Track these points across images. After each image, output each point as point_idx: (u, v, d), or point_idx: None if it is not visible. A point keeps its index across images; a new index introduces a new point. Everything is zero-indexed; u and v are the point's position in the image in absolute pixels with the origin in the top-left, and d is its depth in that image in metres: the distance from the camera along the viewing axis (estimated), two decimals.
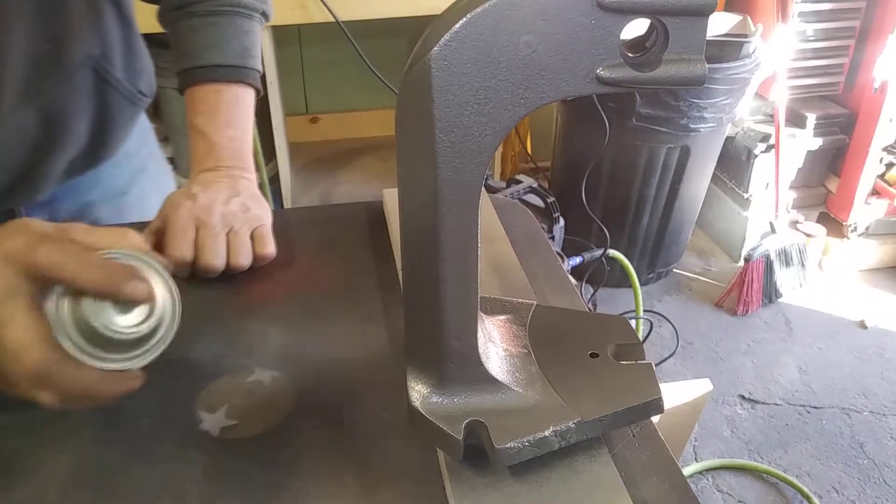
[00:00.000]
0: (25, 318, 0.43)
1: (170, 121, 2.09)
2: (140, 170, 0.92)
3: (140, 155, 0.93)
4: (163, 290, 0.48)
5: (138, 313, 0.46)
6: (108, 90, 0.78)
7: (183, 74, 0.78)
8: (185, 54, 0.78)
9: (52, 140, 0.75)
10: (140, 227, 0.68)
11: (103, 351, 0.45)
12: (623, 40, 0.33)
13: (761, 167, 2.23)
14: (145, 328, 0.46)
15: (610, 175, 2.10)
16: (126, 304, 0.45)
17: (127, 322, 0.45)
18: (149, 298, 0.46)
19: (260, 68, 0.82)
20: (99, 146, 0.82)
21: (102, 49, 0.76)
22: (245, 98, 0.80)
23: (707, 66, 0.33)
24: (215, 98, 0.77)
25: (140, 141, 0.92)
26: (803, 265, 2.23)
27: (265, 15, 0.83)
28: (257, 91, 0.81)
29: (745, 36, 1.95)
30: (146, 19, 0.83)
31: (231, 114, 0.78)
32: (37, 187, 0.78)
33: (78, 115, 0.76)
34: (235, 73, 0.78)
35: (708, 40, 0.33)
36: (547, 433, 0.42)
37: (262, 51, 0.83)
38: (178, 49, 0.79)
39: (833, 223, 2.38)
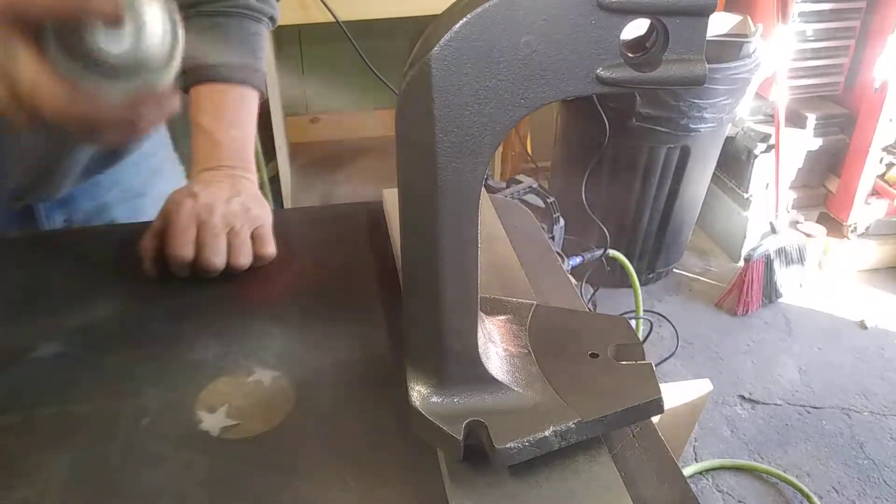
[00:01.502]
0: (29, 57, 0.44)
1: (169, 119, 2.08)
2: (157, 171, 0.93)
3: (157, 156, 0.93)
4: (157, 11, 0.49)
5: (128, 34, 0.47)
6: None
7: (188, 72, 0.78)
8: (191, 53, 0.78)
9: (69, 137, 0.75)
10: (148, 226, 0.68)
11: (111, 81, 0.48)
12: (623, 40, 0.33)
13: (761, 167, 2.23)
14: (141, 45, 0.48)
15: (610, 175, 2.10)
16: (112, 27, 0.46)
17: (119, 44, 0.47)
18: (117, 13, 0.46)
19: (266, 71, 0.82)
20: None
21: None
22: (249, 100, 0.80)
23: (707, 66, 0.33)
24: (220, 97, 0.78)
25: (157, 142, 0.93)
26: (803, 265, 2.23)
27: (273, 19, 0.83)
28: (261, 94, 0.82)
29: (745, 36, 1.95)
30: None
31: (235, 114, 0.78)
32: (55, 184, 0.78)
33: None
34: (241, 74, 0.78)
35: (708, 40, 0.33)
36: (547, 433, 0.42)
37: None
38: (185, 48, 0.79)
39: (833, 223, 2.38)
